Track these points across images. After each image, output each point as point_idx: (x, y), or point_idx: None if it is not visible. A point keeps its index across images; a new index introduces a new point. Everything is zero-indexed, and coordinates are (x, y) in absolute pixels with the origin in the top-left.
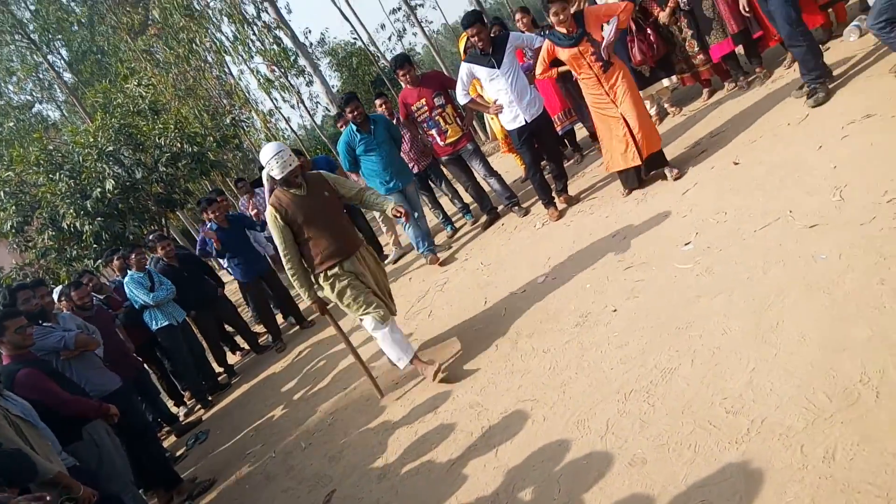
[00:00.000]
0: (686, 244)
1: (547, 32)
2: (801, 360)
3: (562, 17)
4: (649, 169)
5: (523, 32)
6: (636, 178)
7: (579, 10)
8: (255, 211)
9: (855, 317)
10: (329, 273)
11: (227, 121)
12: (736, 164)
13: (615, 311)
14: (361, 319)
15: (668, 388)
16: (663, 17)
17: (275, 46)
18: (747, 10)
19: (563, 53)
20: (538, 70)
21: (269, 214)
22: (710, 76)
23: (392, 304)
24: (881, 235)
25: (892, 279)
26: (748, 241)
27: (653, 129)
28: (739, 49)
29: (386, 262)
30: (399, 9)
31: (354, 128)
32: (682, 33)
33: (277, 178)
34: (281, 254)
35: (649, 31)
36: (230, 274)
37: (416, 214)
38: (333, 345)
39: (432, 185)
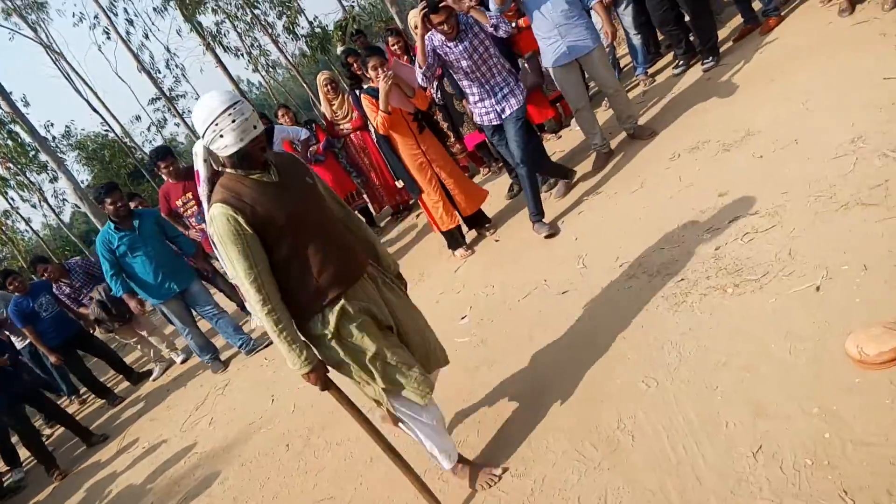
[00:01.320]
0: (462, 318)
1: (364, 88)
2: (568, 415)
3: (380, 71)
4: (471, 226)
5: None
6: (460, 239)
7: None
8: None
9: (607, 369)
10: (334, 311)
11: None
12: (497, 241)
13: None
14: (388, 398)
15: None
16: None
17: (9, 142)
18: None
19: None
20: (379, 120)
21: (221, 218)
22: (468, 163)
23: (436, 355)
24: (618, 296)
25: (630, 334)
26: (514, 310)
27: (473, 187)
28: None
29: (152, 377)
30: (158, 98)
31: (112, 225)
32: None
33: (232, 151)
34: (245, 285)
35: None
36: None
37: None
38: (116, 465)
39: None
